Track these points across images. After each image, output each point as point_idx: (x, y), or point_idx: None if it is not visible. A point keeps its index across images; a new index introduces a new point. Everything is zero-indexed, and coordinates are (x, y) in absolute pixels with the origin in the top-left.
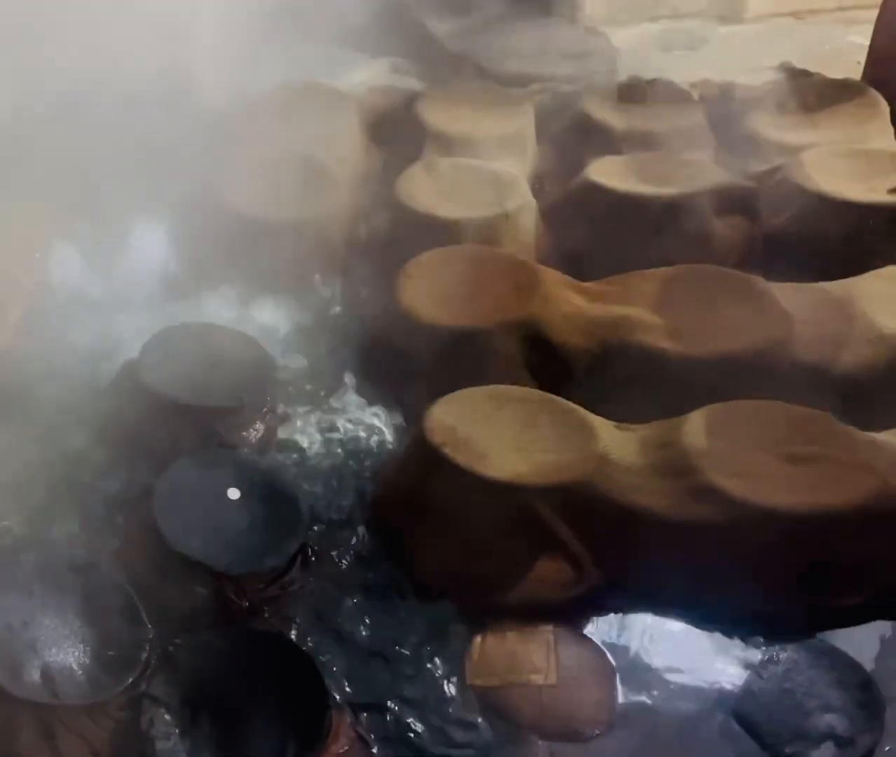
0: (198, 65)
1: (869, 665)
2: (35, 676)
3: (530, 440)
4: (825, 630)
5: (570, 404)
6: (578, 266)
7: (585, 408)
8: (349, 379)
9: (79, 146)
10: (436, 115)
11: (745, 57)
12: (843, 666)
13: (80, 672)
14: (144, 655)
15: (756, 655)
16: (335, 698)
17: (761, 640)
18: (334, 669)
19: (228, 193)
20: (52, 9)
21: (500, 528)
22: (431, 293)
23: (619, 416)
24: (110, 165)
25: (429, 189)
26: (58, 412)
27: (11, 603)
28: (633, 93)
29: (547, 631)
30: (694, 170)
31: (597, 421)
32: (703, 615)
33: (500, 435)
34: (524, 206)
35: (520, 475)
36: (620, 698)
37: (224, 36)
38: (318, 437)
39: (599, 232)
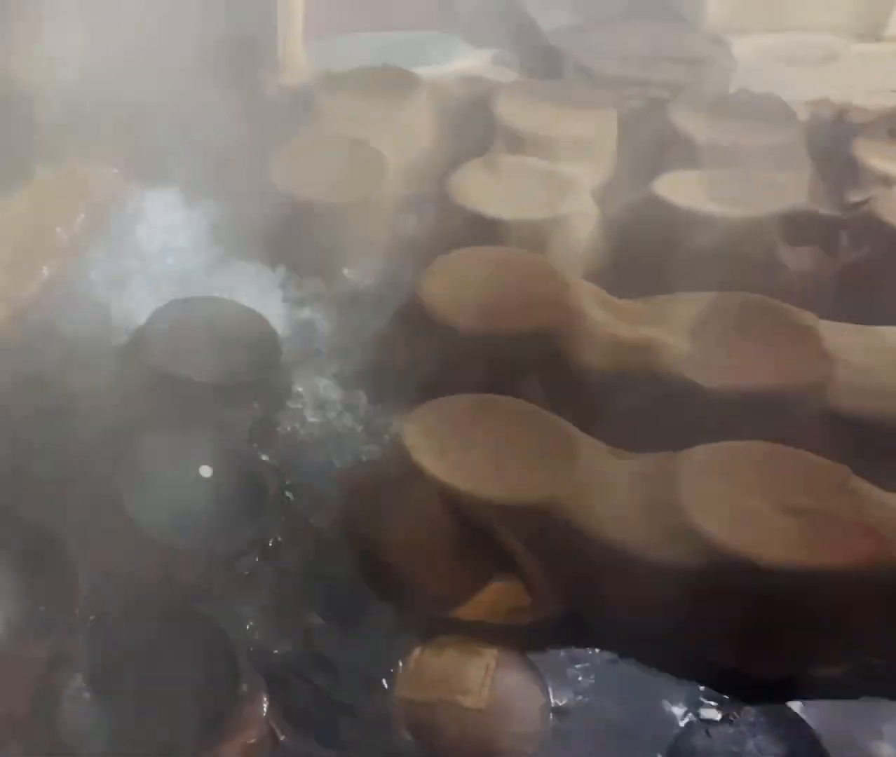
0: (288, 42)
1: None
2: None
3: (509, 454)
4: (795, 699)
5: (561, 422)
6: (632, 282)
7: (595, 430)
8: (359, 371)
9: (142, 113)
10: (510, 110)
11: (876, 78)
12: (799, 738)
13: (5, 625)
14: (71, 617)
15: (712, 712)
16: (255, 688)
17: (724, 697)
18: (264, 659)
19: (277, 171)
20: None
21: (459, 541)
22: (453, 292)
23: (629, 443)
24: (172, 135)
25: (482, 186)
26: (60, 372)
27: None
28: (729, 105)
29: (490, 654)
30: (770, 192)
31: (587, 444)
32: (666, 662)
33: (479, 445)
34: (579, 212)
35: (482, 488)
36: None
37: (325, 17)
38: (310, 427)
39: (658, 248)
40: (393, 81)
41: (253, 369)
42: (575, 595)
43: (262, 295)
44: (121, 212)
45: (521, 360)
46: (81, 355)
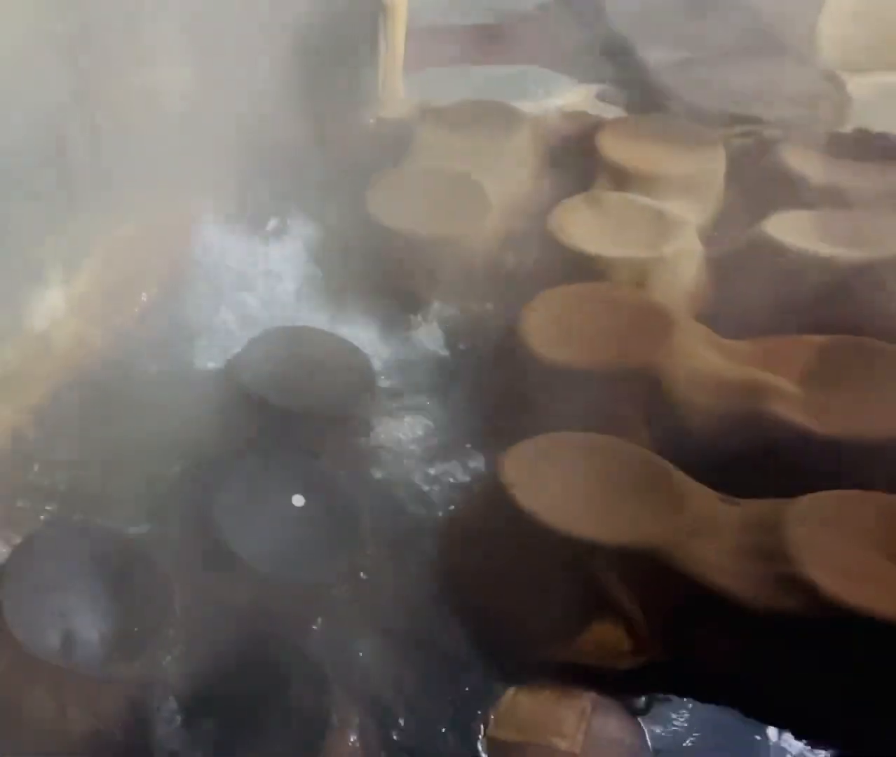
0: (388, 75)
1: None
2: (55, 639)
3: (612, 496)
4: None
5: (668, 465)
6: (739, 322)
7: (698, 473)
8: (455, 405)
9: (243, 144)
10: (614, 147)
11: None
12: None
13: (101, 644)
14: (166, 640)
15: None
16: (346, 720)
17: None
18: (355, 692)
19: (374, 202)
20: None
21: (558, 582)
22: (553, 329)
23: (735, 487)
24: (271, 166)
25: (585, 223)
26: (158, 395)
27: (46, 568)
28: (844, 145)
29: (586, 698)
30: (886, 234)
31: (695, 488)
32: (771, 716)
33: (579, 484)
34: (684, 251)
35: (584, 530)
36: None
37: (425, 50)
38: (404, 460)
39: (768, 290)
40: (494, 115)
41: (347, 399)
42: (677, 641)
43: (357, 326)
44: (219, 241)
45: (623, 399)
46: (178, 380)
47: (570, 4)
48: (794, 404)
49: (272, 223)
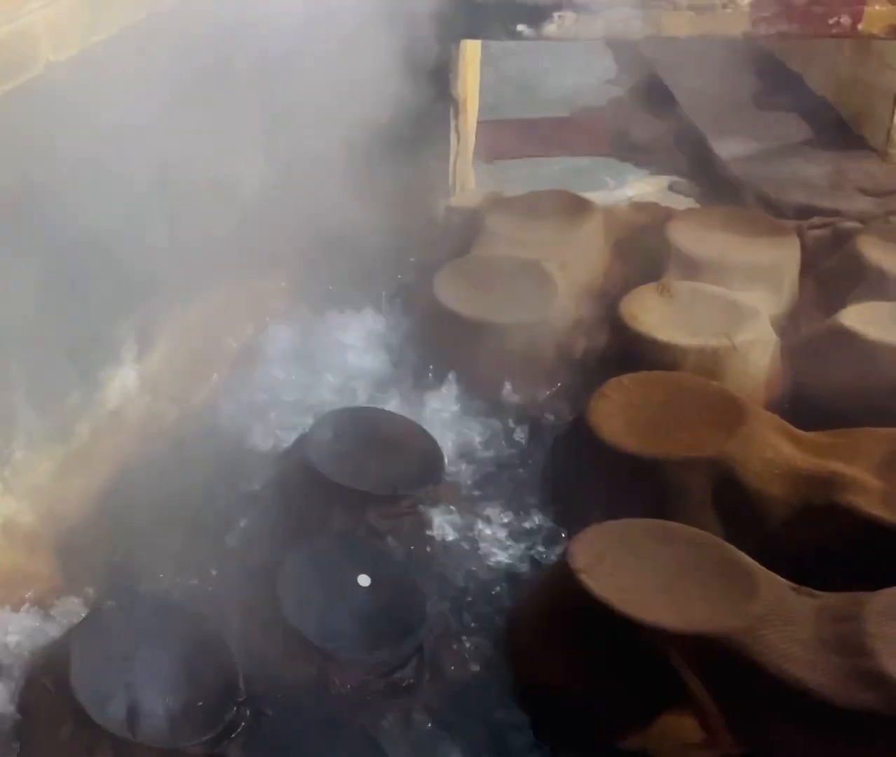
0: (459, 166)
1: None
2: (120, 709)
3: (683, 584)
4: None
5: (740, 554)
6: (814, 414)
7: (772, 564)
8: (523, 490)
9: (311, 226)
10: (684, 236)
11: None
12: None
13: (165, 717)
14: (229, 716)
15: None
16: None
17: None
18: None
19: (442, 288)
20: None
21: (627, 669)
22: (623, 416)
23: (808, 578)
24: (341, 251)
25: (656, 311)
26: (226, 472)
27: (116, 637)
28: None
29: None
30: None
31: (767, 578)
32: None
33: (650, 572)
34: (757, 341)
35: (654, 616)
36: None
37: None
38: (471, 544)
39: (844, 381)
40: (564, 205)
41: (415, 481)
42: (751, 735)
43: (426, 409)
44: (290, 324)
45: (694, 487)
46: (247, 458)
47: (643, 98)
48: (871, 497)
49: (342, 307)
